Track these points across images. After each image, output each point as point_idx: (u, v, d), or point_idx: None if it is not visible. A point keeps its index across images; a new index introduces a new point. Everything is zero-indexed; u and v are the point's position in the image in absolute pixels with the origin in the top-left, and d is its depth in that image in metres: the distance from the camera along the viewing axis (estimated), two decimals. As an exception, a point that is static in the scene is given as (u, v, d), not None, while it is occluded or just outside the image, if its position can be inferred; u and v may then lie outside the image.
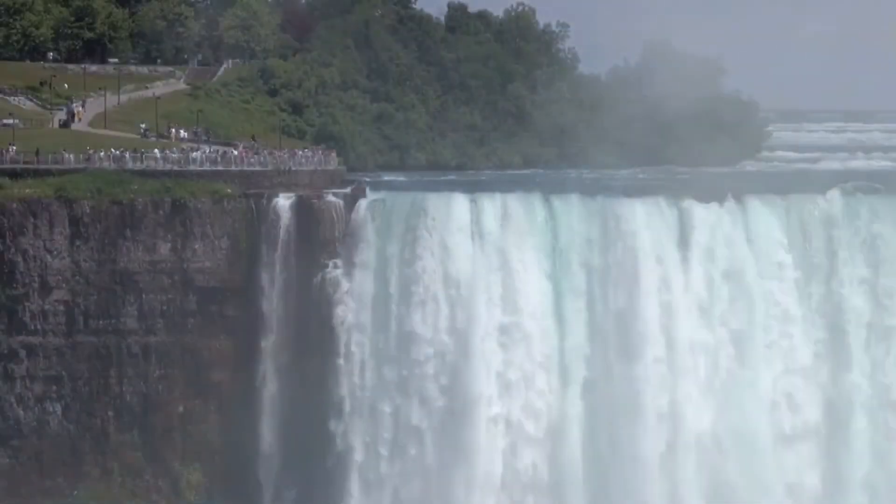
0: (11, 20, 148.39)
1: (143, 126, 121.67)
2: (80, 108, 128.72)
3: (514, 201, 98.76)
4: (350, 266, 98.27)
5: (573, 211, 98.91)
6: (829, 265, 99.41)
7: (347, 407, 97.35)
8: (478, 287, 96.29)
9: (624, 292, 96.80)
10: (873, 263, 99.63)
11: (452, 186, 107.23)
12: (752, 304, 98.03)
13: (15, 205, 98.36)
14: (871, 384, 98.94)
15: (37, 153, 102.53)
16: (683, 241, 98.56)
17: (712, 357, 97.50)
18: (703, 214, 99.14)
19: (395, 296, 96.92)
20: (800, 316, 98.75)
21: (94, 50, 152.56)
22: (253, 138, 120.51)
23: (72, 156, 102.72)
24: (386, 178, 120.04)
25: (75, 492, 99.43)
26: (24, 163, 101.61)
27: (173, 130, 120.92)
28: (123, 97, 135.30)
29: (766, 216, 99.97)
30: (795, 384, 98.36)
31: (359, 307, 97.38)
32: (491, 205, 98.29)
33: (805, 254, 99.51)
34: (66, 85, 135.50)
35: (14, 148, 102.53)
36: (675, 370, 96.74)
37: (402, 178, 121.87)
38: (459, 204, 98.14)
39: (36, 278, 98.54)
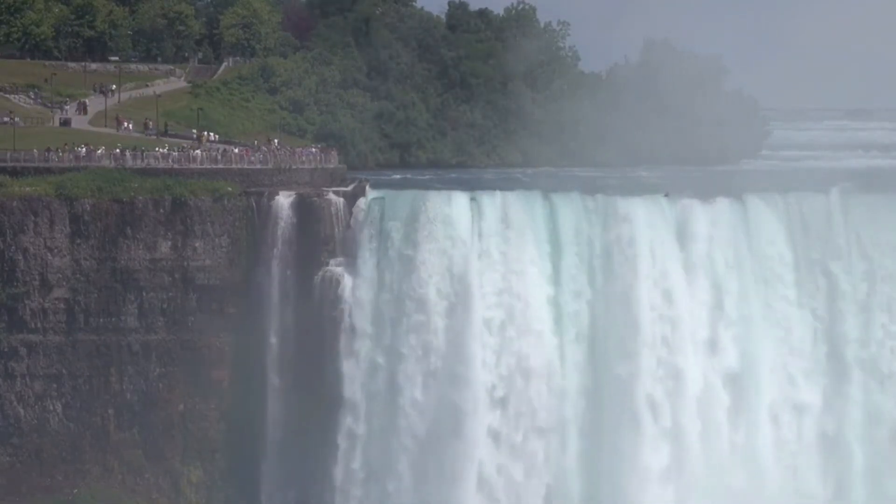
0: (12, 18, 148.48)
1: (193, 131, 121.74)
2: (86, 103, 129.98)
3: (515, 199, 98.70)
4: (350, 264, 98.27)
5: (573, 209, 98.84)
6: (828, 263, 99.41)
7: (349, 404, 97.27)
8: (477, 285, 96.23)
9: (624, 290, 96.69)
10: (873, 261, 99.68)
11: (453, 184, 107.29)
12: (752, 301, 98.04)
13: (15, 203, 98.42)
14: (869, 380, 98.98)
15: (47, 150, 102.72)
16: (683, 239, 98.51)
17: (711, 354, 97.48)
18: (703, 212, 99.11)
19: (395, 293, 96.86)
20: (799, 313, 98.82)
21: (95, 48, 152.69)
22: (269, 140, 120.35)
23: (84, 149, 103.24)
24: (386, 176, 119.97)
25: (75, 490, 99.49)
26: (25, 161, 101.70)
27: (204, 133, 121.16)
28: (124, 95, 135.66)
29: (766, 214, 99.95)
30: (795, 382, 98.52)
31: (359, 304, 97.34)
32: (491, 203, 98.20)
33: (805, 251, 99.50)
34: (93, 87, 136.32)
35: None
36: (674, 367, 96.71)
37: (402, 177, 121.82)
38: (460, 202, 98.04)
39: (36, 276, 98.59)
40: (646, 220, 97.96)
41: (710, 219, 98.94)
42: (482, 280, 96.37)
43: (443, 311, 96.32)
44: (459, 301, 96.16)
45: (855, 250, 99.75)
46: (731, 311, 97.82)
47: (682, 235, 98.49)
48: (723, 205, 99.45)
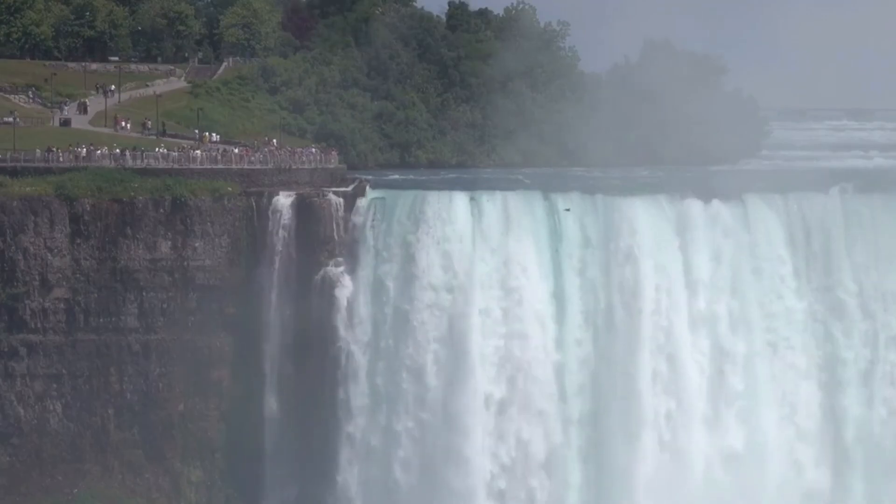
0: (12, 18, 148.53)
1: (196, 131, 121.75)
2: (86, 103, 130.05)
3: (515, 199, 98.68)
4: (350, 264, 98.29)
5: (573, 209, 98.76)
6: (828, 263, 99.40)
7: (348, 403, 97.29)
8: (477, 285, 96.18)
9: (624, 290, 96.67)
10: (873, 261, 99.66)
11: (453, 184, 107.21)
12: (752, 301, 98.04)
13: (15, 203, 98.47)
14: (868, 379, 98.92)
15: (48, 150, 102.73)
16: (683, 239, 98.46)
17: (711, 353, 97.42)
18: (703, 212, 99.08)
19: (395, 294, 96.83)
20: (799, 313, 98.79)
21: (95, 48, 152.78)
22: (269, 140, 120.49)
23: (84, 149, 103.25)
24: (386, 176, 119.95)
25: (75, 490, 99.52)
26: (25, 161, 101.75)
27: (206, 134, 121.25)
28: (124, 95, 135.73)
29: (766, 214, 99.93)
30: (794, 382, 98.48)
31: (359, 305, 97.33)
32: (491, 203, 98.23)
33: (805, 252, 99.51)
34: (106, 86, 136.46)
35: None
36: (674, 367, 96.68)
37: (402, 176, 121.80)
38: (460, 202, 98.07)
39: (36, 276, 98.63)
40: (646, 220, 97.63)
41: (711, 219, 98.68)
42: (482, 280, 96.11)
43: (442, 311, 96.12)
44: (459, 301, 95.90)
45: (855, 250, 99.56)
46: (730, 311, 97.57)
47: (683, 235, 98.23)
48: (723, 205, 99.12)
